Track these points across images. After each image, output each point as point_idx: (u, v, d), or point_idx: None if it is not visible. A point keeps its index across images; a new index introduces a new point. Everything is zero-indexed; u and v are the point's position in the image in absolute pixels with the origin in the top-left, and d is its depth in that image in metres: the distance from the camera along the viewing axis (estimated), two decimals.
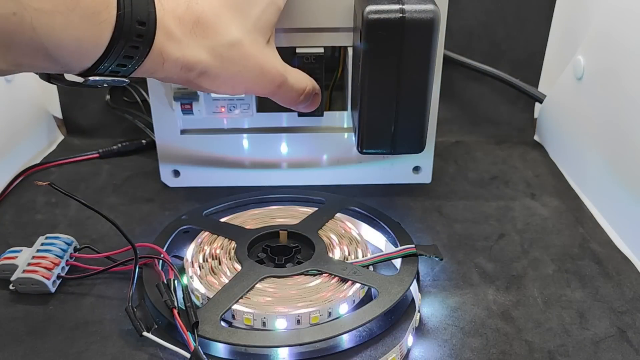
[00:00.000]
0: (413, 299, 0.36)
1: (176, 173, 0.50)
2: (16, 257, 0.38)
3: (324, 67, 0.42)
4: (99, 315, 0.36)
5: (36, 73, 0.30)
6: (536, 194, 0.50)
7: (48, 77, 0.30)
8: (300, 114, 0.45)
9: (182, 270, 0.37)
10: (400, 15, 0.32)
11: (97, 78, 0.29)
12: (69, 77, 0.30)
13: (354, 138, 0.42)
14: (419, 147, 0.37)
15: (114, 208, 0.48)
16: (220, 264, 0.37)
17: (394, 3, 0.33)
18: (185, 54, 0.31)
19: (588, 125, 0.49)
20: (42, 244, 0.39)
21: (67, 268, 0.39)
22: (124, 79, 0.30)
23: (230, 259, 0.37)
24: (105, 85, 0.30)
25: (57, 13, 0.25)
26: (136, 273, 0.35)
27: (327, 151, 0.49)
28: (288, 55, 0.40)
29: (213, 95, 0.44)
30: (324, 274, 0.36)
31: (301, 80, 0.39)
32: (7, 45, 0.25)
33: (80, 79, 0.29)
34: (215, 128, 0.48)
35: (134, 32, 0.28)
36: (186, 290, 0.34)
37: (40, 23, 0.25)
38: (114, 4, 0.27)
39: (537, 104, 0.61)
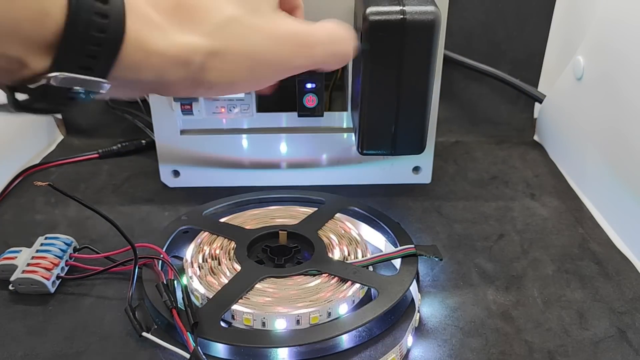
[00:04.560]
0: (413, 299, 0.36)
1: (176, 173, 0.50)
2: (16, 257, 0.38)
3: None
4: (99, 315, 0.36)
5: None
6: (536, 194, 0.50)
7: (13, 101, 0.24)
8: (300, 114, 0.45)
9: (181, 271, 0.37)
10: (401, 16, 0.32)
11: (64, 74, 0.22)
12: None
13: (354, 139, 0.42)
14: (419, 148, 0.37)
15: (113, 208, 0.48)
16: (219, 264, 0.37)
17: (395, 4, 0.33)
18: (175, 42, 0.25)
19: (588, 126, 0.49)
20: (42, 244, 0.39)
21: (66, 268, 0.39)
22: (101, 80, 0.24)
23: (229, 259, 0.37)
24: (80, 93, 0.23)
25: None
26: (136, 273, 0.35)
27: (327, 151, 0.49)
28: None
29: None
30: (323, 274, 0.36)
31: (331, 28, 0.31)
32: None
33: (41, 81, 0.22)
34: (215, 128, 0.48)
35: (95, 8, 0.23)
36: (186, 291, 0.34)
37: None
38: None
39: (537, 104, 0.61)
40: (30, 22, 0.21)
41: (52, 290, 0.37)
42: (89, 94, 0.24)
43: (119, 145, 0.57)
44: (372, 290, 0.36)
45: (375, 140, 0.37)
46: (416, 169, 0.51)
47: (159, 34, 0.25)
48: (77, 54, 0.23)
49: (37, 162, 0.55)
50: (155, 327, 0.33)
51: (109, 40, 0.23)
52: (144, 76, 0.25)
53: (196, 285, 0.35)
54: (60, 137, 0.61)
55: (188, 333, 0.31)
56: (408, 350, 0.33)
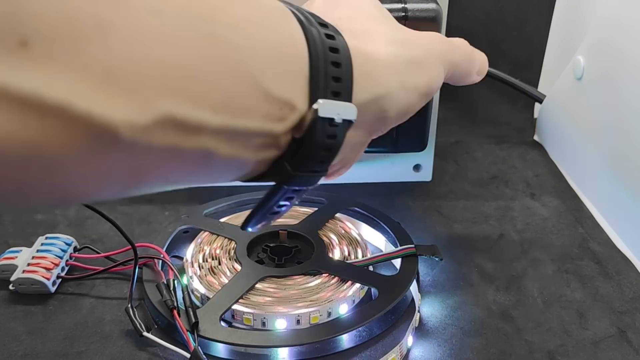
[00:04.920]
0: (413, 299, 0.36)
1: None
2: (16, 257, 0.38)
3: None
4: (99, 315, 0.36)
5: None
6: (536, 194, 0.50)
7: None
8: None
9: (182, 271, 0.37)
10: (403, 14, 0.33)
11: (325, 100, 0.19)
12: None
13: None
14: (420, 146, 0.37)
15: (114, 208, 0.48)
16: (220, 264, 0.37)
17: (396, 2, 0.33)
18: (385, 49, 0.23)
19: (588, 125, 0.49)
20: (42, 244, 0.39)
21: (67, 268, 0.39)
22: (352, 105, 0.21)
23: (230, 259, 0.37)
24: (338, 128, 0.20)
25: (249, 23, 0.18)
26: (136, 273, 0.35)
27: None
28: None
29: None
30: (323, 274, 0.36)
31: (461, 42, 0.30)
32: (214, 87, 0.16)
33: (308, 118, 0.19)
34: None
35: (322, 28, 0.21)
36: (186, 290, 0.34)
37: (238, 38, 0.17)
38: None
39: (537, 104, 0.61)
40: (288, 55, 0.19)
41: (53, 290, 0.37)
42: (343, 130, 0.21)
43: None
44: (372, 290, 0.36)
45: (377, 137, 0.37)
46: (417, 167, 0.51)
47: (372, 43, 0.23)
48: (325, 78, 0.20)
49: None
50: (156, 326, 0.33)
51: (342, 56, 0.21)
52: (379, 89, 0.23)
53: (196, 285, 0.35)
54: None
55: (188, 333, 0.31)
56: (408, 350, 0.33)
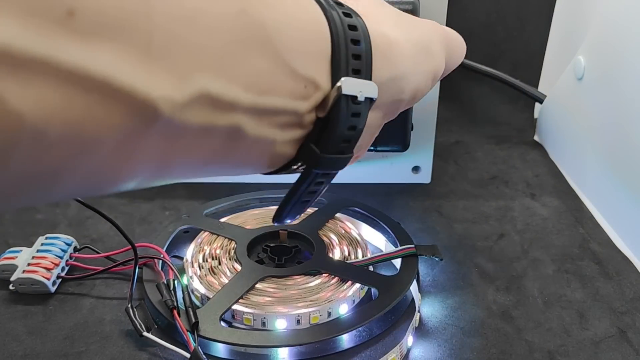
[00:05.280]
0: (413, 299, 0.36)
1: None
2: (16, 257, 0.38)
3: None
4: (99, 315, 0.36)
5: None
6: (536, 194, 0.50)
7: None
8: None
9: (182, 270, 0.37)
10: None
11: (348, 78, 0.20)
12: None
13: None
14: (402, 146, 0.36)
15: (114, 208, 0.48)
16: (220, 264, 0.37)
17: None
18: (398, 32, 0.23)
19: (588, 125, 0.49)
20: (42, 244, 0.39)
21: (67, 268, 0.39)
22: (373, 83, 0.21)
23: (230, 259, 0.37)
24: (363, 105, 0.21)
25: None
26: (136, 273, 0.35)
27: None
28: None
29: None
30: (324, 274, 0.36)
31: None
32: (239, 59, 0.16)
33: (332, 96, 0.19)
34: None
35: (340, 8, 0.21)
36: (186, 290, 0.34)
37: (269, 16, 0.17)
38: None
39: (537, 104, 0.61)
40: (311, 34, 0.19)
41: (53, 290, 0.37)
42: (366, 108, 0.21)
43: None
44: (372, 290, 0.36)
45: None
46: (416, 169, 0.51)
47: (381, 25, 0.23)
48: (346, 56, 0.20)
49: None
50: (156, 326, 0.33)
51: (361, 33, 0.21)
52: (396, 69, 0.23)
53: (196, 285, 0.35)
54: None
55: (188, 333, 0.31)
56: (408, 350, 0.33)
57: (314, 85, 0.19)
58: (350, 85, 0.20)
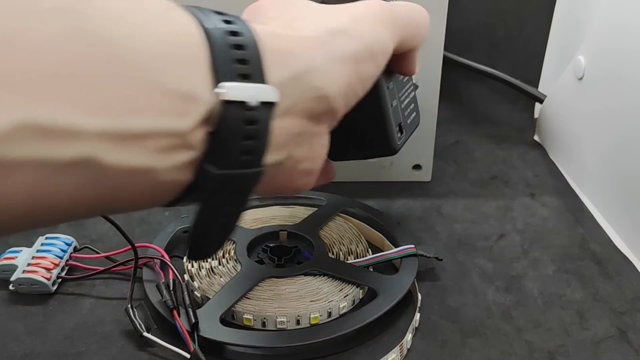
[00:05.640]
0: (413, 299, 0.36)
1: None
2: (16, 257, 0.38)
3: None
4: (99, 315, 0.36)
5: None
6: (536, 194, 0.50)
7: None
8: None
9: (182, 271, 0.37)
10: None
11: (231, 83, 0.18)
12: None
13: None
14: (389, 149, 0.31)
15: None
16: (220, 264, 0.37)
17: None
18: (306, 28, 0.22)
19: (588, 125, 0.49)
20: (42, 244, 0.39)
21: (67, 268, 0.39)
22: (265, 86, 0.19)
23: (230, 259, 0.37)
24: (256, 117, 0.19)
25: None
26: (136, 273, 0.35)
27: None
28: None
29: None
30: (324, 274, 0.36)
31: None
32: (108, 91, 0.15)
33: (216, 108, 0.18)
34: None
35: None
36: (186, 290, 0.34)
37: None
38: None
39: (537, 104, 0.61)
40: (180, 45, 0.17)
41: (53, 290, 0.37)
42: (266, 114, 0.19)
43: None
44: (373, 290, 0.36)
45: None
46: (416, 167, 0.51)
47: (293, 25, 0.22)
48: (228, 62, 0.19)
49: None
50: (156, 327, 0.33)
51: (246, 38, 0.19)
52: (297, 66, 0.21)
53: (196, 285, 0.35)
54: None
55: (188, 333, 0.31)
56: (408, 350, 0.33)
57: (191, 99, 0.17)
58: (235, 90, 0.18)
